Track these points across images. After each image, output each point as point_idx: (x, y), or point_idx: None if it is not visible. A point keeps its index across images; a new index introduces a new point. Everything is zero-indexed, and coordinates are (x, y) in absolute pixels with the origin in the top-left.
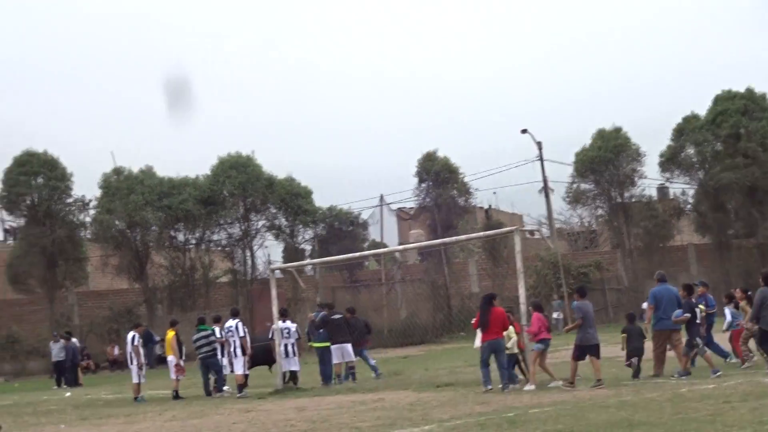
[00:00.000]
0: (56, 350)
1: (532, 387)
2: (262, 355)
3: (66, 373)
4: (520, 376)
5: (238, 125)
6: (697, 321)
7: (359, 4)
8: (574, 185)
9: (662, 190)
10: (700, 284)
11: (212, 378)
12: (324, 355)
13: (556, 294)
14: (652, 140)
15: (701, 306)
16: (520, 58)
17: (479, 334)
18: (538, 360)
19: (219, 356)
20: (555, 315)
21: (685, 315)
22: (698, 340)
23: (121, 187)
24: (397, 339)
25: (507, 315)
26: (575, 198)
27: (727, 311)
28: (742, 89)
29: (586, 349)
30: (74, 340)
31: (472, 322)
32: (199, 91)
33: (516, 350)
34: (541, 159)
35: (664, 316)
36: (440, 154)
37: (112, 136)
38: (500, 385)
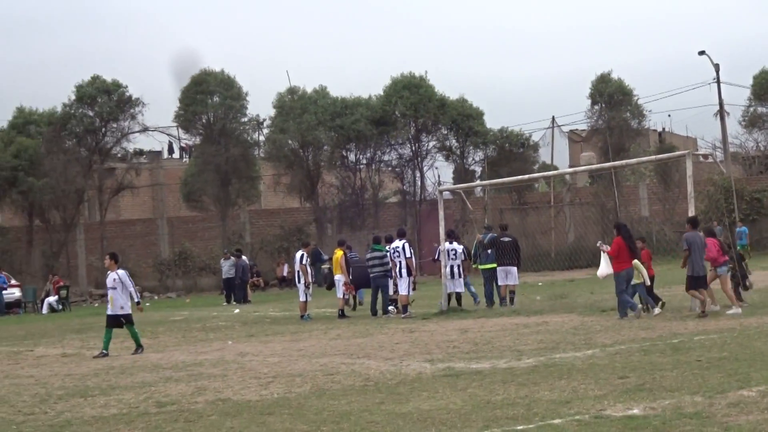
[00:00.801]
0: (226, 267)
1: (738, 311)
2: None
3: (235, 290)
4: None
5: (411, 44)
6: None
7: None
8: (751, 108)
9: None
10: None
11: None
12: (490, 277)
13: (716, 220)
14: None
15: None
16: None
17: (608, 263)
18: (724, 284)
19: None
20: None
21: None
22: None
23: (295, 106)
24: (564, 262)
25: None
26: (751, 121)
27: None
28: None
29: (697, 280)
30: (244, 257)
31: (607, 249)
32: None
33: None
34: (718, 81)
35: None
36: (614, 75)
37: (289, 55)
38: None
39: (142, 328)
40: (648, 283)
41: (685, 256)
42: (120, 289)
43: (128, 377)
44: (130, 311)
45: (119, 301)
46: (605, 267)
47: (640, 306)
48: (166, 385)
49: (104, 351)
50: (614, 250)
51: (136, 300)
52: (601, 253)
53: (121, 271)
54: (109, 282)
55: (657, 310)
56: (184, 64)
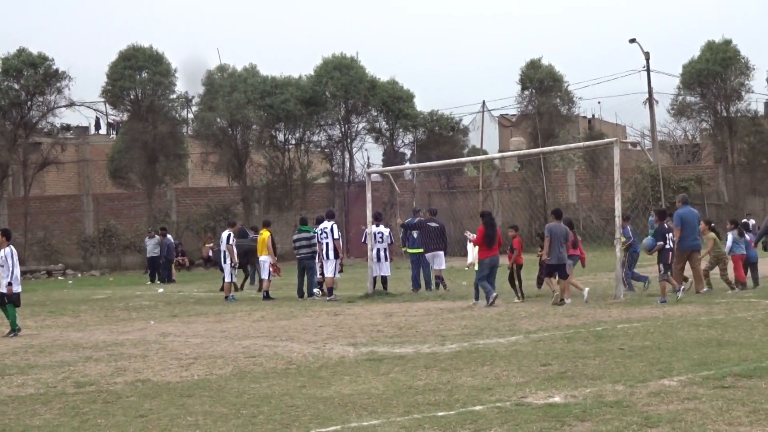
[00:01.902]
0: (151, 246)
1: (568, 301)
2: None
3: (160, 269)
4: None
5: (343, 26)
6: (667, 247)
7: None
8: (680, 97)
9: None
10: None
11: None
12: (417, 261)
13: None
14: (763, 54)
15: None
16: None
17: (474, 251)
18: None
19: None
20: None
21: (659, 243)
22: (661, 267)
23: (224, 84)
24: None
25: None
26: (680, 110)
27: (729, 236)
28: None
29: (554, 268)
30: (169, 236)
31: (471, 238)
32: None
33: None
34: (648, 70)
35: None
36: (544, 61)
37: (218, 33)
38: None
39: (65, 306)
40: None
41: (546, 244)
42: (6, 267)
43: (47, 356)
44: (16, 290)
45: (3, 280)
46: (471, 255)
47: (495, 294)
48: (85, 365)
49: (14, 330)
50: (478, 239)
51: (7, 281)
52: (467, 242)
53: (7, 249)
54: None
55: (516, 300)
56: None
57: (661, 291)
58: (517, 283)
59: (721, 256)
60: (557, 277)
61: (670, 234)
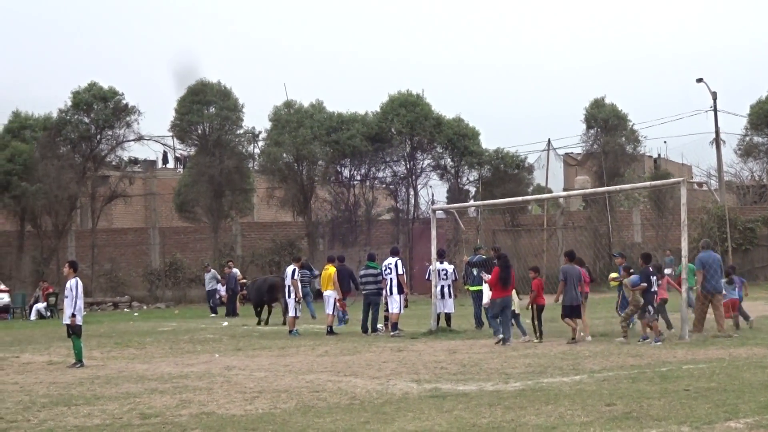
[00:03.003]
0: (207, 279)
1: (589, 338)
2: (267, 293)
3: (227, 302)
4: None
5: (409, 63)
6: (653, 289)
7: None
8: (747, 138)
9: None
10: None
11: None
12: (479, 299)
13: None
14: None
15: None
16: (696, 4)
17: (488, 291)
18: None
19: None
20: (667, 271)
21: (642, 284)
22: (650, 308)
23: (291, 120)
24: (555, 285)
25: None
26: (747, 151)
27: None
28: None
29: (571, 309)
30: (235, 270)
31: (487, 278)
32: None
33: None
34: (715, 109)
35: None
36: (608, 100)
37: (286, 68)
38: (501, 338)
39: (130, 338)
40: (518, 312)
41: (560, 287)
42: (70, 298)
43: (113, 387)
44: (79, 322)
45: (68, 310)
46: (487, 296)
47: (501, 336)
48: (150, 396)
49: (79, 361)
50: (493, 279)
51: (71, 312)
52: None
53: (73, 281)
54: (65, 290)
55: (535, 341)
56: (184, 71)
57: (654, 331)
58: (536, 323)
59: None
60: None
61: (655, 277)
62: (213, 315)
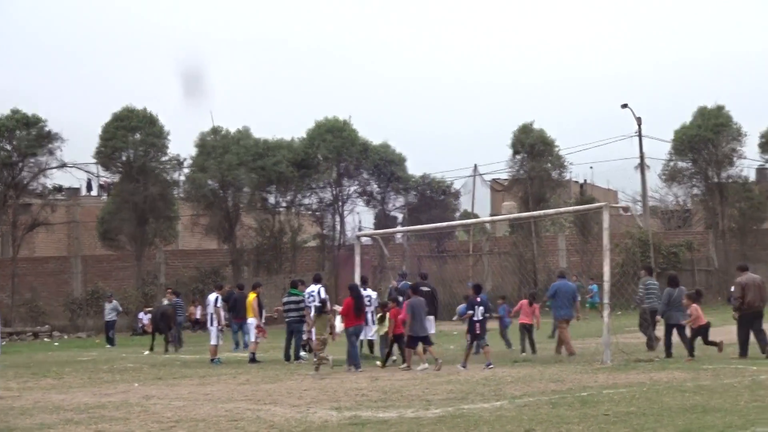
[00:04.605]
0: (107, 310)
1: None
2: (160, 321)
3: (171, 331)
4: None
5: (335, 89)
6: (475, 318)
7: None
8: (671, 163)
9: (761, 171)
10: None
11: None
12: None
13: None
14: (755, 119)
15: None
16: (621, 30)
17: (340, 319)
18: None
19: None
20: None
21: (468, 312)
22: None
23: (217, 146)
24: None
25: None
26: (671, 176)
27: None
28: None
29: (417, 339)
30: (177, 298)
31: (339, 309)
32: (299, 53)
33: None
34: (640, 135)
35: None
36: (536, 126)
37: (213, 95)
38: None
39: (48, 368)
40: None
41: (406, 319)
42: None
43: (27, 418)
44: None
45: None
46: (339, 326)
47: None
48: (65, 427)
49: None
50: (344, 309)
51: None
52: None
53: None
54: None
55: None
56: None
57: (485, 355)
58: (391, 350)
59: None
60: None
61: (481, 307)
62: (109, 346)
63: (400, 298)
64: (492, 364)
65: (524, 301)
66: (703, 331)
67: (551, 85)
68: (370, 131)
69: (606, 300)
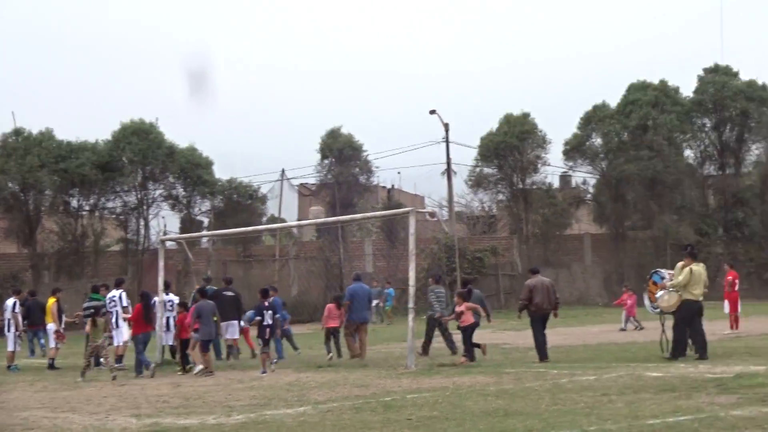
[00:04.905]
0: None
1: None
2: None
3: None
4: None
5: (142, 90)
6: (265, 323)
7: None
8: (477, 169)
9: (564, 178)
10: (270, 289)
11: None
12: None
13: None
14: (560, 127)
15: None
16: (431, 36)
17: (127, 327)
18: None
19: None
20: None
21: (257, 318)
22: (260, 341)
23: (18, 147)
24: None
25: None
26: (477, 182)
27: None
28: (656, 80)
29: (208, 343)
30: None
31: (128, 317)
32: (105, 53)
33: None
34: (447, 141)
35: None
36: (344, 130)
37: (15, 97)
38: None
39: None
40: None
41: (195, 324)
42: None
43: None
44: None
45: None
46: (127, 333)
47: (153, 365)
48: None
49: None
50: (134, 315)
51: None
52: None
53: None
54: None
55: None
56: None
57: (261, 362)
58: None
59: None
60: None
61: (269, 312)
62: None
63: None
64: (266, 372)
65: (331, 305)
66: (468, 330)
67: (359, 90)
68: (178, 134)
69: (411, 304)
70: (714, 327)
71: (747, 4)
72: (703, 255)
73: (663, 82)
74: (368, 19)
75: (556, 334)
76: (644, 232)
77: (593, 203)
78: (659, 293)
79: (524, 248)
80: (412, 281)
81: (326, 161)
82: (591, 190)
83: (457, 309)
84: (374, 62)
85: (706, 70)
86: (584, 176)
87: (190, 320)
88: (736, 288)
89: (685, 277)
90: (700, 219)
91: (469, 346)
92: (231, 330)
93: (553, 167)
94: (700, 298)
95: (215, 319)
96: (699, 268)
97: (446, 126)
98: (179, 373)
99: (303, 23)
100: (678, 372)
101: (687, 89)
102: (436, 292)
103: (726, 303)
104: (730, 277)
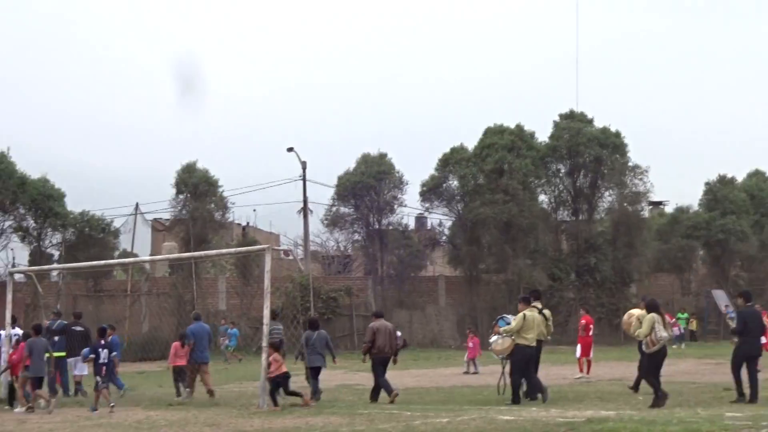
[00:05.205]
0: None
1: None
2: None
3: None
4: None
5: None
6: (100, 361)
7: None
8: (334, 208)
9: (420, 219)
10: (108, 327)
11: None
12: (60, 366)
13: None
14: (419, 168)
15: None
16: (288, 73)
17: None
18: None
19: None
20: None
21: (91, 356)
22: (98, 378)
23: None
24: (136, 353)
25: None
26: (333, 221)
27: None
28: (512, 125)
29: (39, 380)
30: None
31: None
32: None
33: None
34: (304, 179)
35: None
36: (200, 165)
37: None
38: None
39: None
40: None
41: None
42: None
43: None
44: None
45: None
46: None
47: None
48: None
49: None
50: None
51: None
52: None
53: None
54: None
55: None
56: None
57: (94, 400)
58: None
59: None
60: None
61: (104, 351)
62: None
63: (56, 338)
64: (98, 410)
65: (177, 343)
66: (283, 380)
67: (215, 126)
68: (29, 165)
69: (265, 343)
70: (565, 371)
71: (601, 53)
72: (555, 299)
73: (519, 127)
74: (226, 56)
75: (409, 376)
76: (498, 275)
77: (448, 245)
78: (493, 338)
79: (379, 289)
80: (266, 319)
81: (181, 196)
82: (446, 232)
83: (270, 358)
84: (231, 98)
85: (562, 116)
86: (440, 218)
87: (19, 357)
88: (590, 333)
89: (518, 322)
90: (554, 264)
91: (273, 396)
92: (80, 366)
93: (409, 208)
94: (533, 344)
95: (48, 355)
96: (533, 313)
97: (304, 164)
98: (22, 409)
99: (152, 65)
100: (530, 416)
101: (543, 134)
102: (273, 329)
103: (578, 347)
104: (583, 321)
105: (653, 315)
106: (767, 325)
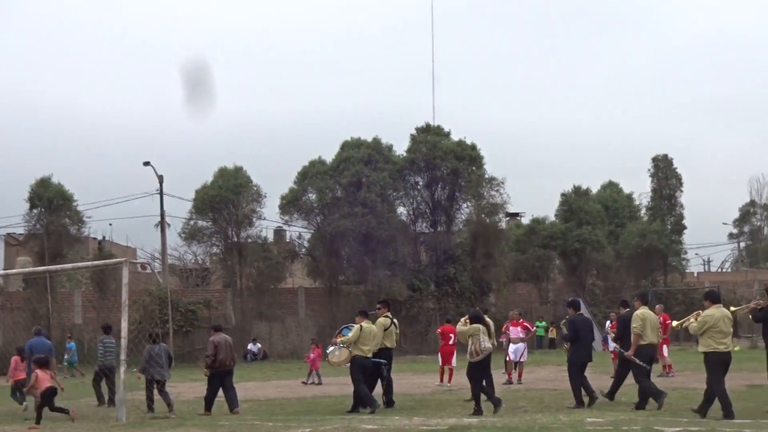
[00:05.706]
0: None
1: None
2: None
3: None
4: None
5: None
6: None
7: None
8: (192, 221)
9: (279, 232)
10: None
11: None
12: None
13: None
14: (279, 183)
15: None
16: (141, 87)
17: None
18: None
19: None
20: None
21: None
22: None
23: None
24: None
25: None
26: (191, 234)
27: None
28: (370, 138)
29: None
30: None
31: None
32: None
33: None
34: (161, 193)
35: None
36: (55, 180)
37: None
38: None
39: None
40: None
41: None
42: None
43: None
44: None
45: None
46: None
47: None
48: None
49: None
50: None
51: None
52: None
53: None
54: None
55: None
56: None
57: None
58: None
59: None
60: None
61: None
62: None
63: None
64: None
65: (17, 357)
66: (47, 396)
67: (70, 140)
68: None
69: (123, 357)
70: (426, 380)
71: (457, 69)
72: (415, 310)
73: (376, 140)
74: (79, 70)
75: (269, 387)
76: (358, 286)
77: (308, 258)
78: (330, 348)
79: (238, 301)
80: (124, 333)
81: (35, 211)
82: (306, 244)
83: (32, 375)
84: (85, 113)
85: (419, 130)
86: (299, 231)
87: None
88: (451, 342)
89: (354, 334)
90: (413, 274)
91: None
92: None
93: (268, 221)
94: (369, 355)
95: None
96: (369, 326)
97: (161, 178)
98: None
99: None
100: (393, 424)
101: (401, 148)
102: (105, 343)
103: (440, 355)
104: (439, 331)
105: (478, 326)
106: (667, 326)
